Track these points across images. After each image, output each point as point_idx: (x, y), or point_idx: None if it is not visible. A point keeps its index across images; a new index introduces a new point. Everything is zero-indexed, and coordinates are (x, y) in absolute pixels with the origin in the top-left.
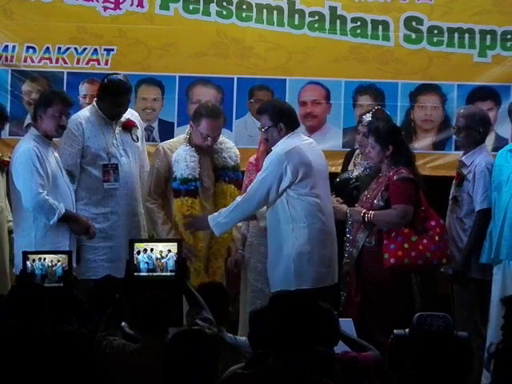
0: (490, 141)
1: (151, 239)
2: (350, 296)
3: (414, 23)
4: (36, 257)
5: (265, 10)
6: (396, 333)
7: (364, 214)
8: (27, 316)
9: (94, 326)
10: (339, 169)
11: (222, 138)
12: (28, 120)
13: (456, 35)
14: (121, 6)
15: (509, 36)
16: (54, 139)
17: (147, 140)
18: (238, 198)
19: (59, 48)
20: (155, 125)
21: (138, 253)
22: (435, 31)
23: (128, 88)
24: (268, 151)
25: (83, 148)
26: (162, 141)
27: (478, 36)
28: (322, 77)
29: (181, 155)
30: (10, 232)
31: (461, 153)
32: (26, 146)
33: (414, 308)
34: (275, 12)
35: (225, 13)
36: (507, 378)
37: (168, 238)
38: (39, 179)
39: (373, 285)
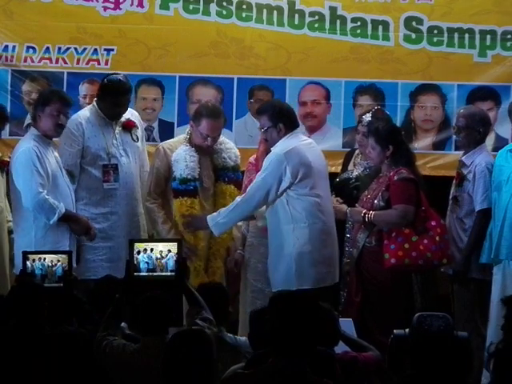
0: (490, 141)
1: (151, 239)
2: (350, 296)
3: (414, 23)
4: (36, 257)
5: (265, 10)
6: (396, 333)
7: (364, 214)
8: (27, 316)
9: (94, 326)
10: (339, 169)
11: (222, 139)
12: (28, 120)
13: (456, 35)
14: (121, 5)
15: (509, 36)
16: (54, 139)
17: (147, 140)
18: (238, 198)
19: (59, 48)
20: (155, 125)
21: (138, 253)
22: (435, 31)
23: (128, 88)
24: (268, 151)
25: (83, 148)
26: (162, 141)
27: (477, 36)
28: (322, 77)
29: (180, 155)
30: (10, 232)
31: (461, 153)
32: (26, 145)
33: (414, 308)
34: (275, 12)
35: (225, 13)
36: (507, 378)
37: (168, 237)
38: (39, 179)
39: (373, 285)
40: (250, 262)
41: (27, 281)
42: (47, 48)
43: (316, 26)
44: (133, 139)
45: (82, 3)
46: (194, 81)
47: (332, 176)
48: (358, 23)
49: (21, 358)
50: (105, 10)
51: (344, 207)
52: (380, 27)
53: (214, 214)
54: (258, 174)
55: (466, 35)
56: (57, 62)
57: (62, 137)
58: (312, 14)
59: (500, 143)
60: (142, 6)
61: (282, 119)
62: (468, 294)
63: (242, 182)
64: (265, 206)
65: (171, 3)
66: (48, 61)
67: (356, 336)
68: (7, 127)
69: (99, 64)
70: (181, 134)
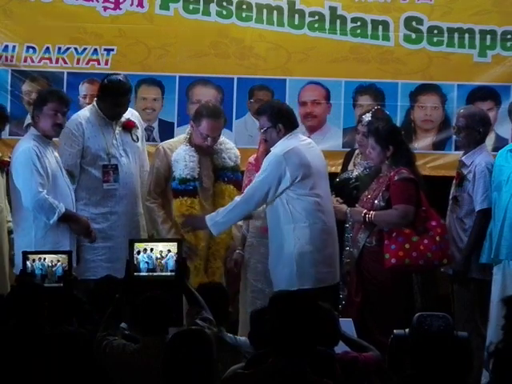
0: (490, 141)
1: (151, 239)
2: (350, 296)
3: (414, 23)
4: (36, 257)
5: (265, 10)
6: (396, 333)
7: (365, 214)
8: (27, 316)
9: (94, 326)
10: (339, 169)
11: (222, 139)
12: (28, 120)
13: (456, 35)
14: (121, 5)
15: (509, 36)
16: (54, 139)
17: (147, 140)
18: (237, 198)
19: (59, 48)
20: (155, 125)
21: (138, 253)
22: (435, 31)
23: (128, 88)
24: (267, 151)
25: (83, 148)
26: (162, 141)
27: (477, 36)
28: (322, 77)
29: (180, 155)
30: (10, 232)
31: (461, 153)
32: (26, 145)
33: (414, 308)
34: (275, 12)
35: (225, 13)
36: (507, 378)
37: (168, 237)
38: (39, 178)
39: (373, 285)
40: (249, 262)
41: (27, 281)
42: (47, 48)
43: (316, 26)
44: (133, 139)
45: (82, 3)
46: (194, 81)
47: (332, 176)
48: (358, 23)
49: (21, 358)
50: (105, 10)
51: (344, 207)
52: (380, 27)
53: (213, 213)
54: (258, 174)
55: (466, 35)
56: (57, 62)
57: (61, 137)
58: (312, 14)
59: (500, 143)
60: (142, 6)
61: (281, 120)
62: (468, 294)
63: (242, 182)
64: (263, 207)
65: (171, 3)
66: (48, 61)
67: (356, 336)
68: (7, 127)
69: (99, 64)
70: (181, 134)
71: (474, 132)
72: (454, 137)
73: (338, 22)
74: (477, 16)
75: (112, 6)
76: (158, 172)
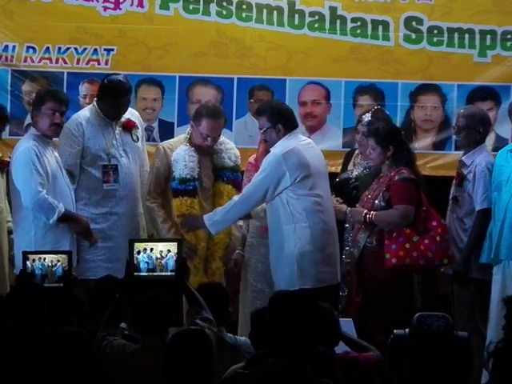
0: (490, 141)
1: (151, 239)
2: (351, 296)
3: (414, 23)
4: (36, 257)
5: (265, 10)
6: (396, 333)
7: (365, 214)
8: (27, 316)
9: (94, 326)
10: (339, 169)
11: (222, 139)
12: (28, 120)
13: (456, 35)
14: (121, 5)
15: (509, 36)
16: (54, 139)
17: (147, 140)
18: (235, 198)
19: (59, 48)
20: (155, 125)
21: (138, 253)
22: (435, 31)
23: (128, 88)
24: (267, 151)
25: (83, 148)
26: (162, 141)
27: (477, 36)
28: (322, 77)
29: (180, 155)
30: (10, 232)
31: (461, 153)
32: (26, 145)
33: (414, 308)
34: (275, 12)
35: (225, 13)
36: (506, 378)
37: (168, 236)
38: (39, 178)
39: (373, 285)
40: (249, 262)
41: (27, 281)
42: (47, 48)
43: (316, 25)
44: (133, 139)
45: (82, 3)
46: (194, 81)
47: (332, 176)
48: (358, 23)
49: (21, 358)
50: (105, 9)
51: (344, 207)
52: (380, 27)
53: (211, 213)
54: (257, 173)
55: (466, 35)
56: (57, 62)
57: (61, 137)
58: (312, 14)
59: (500, 143)
60: (142, 6)
61: (280, 120)
62: (468, 294)
63: (241, 182)
64: (262, 206)
65: (171, 3)
66: (48, 61)
67: (356, 336)
68: (7, 127)
69: (99, 64)
70: (181, 134)
71: (474, 132)
72: (454, 137)
73: (338, 22)
74: (477, 16)
75: (112, 6)
76: (157, 172)
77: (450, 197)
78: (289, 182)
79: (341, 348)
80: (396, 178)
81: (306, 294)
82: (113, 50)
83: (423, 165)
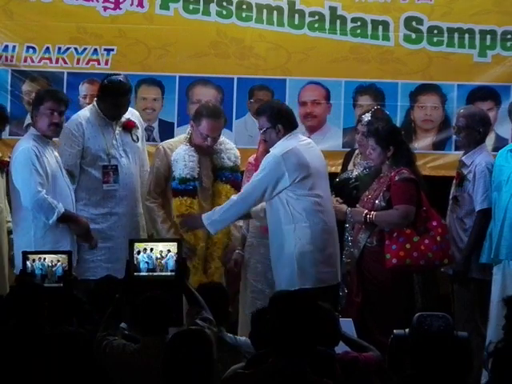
0: (490, 141)
1: (151, 239)
2: (351, 296)
3: (414, 23)
4: (36, 257)
5: (265, 10)
6: (396, 333)
7: (366, 214)
8: (27, 316)
9: (94, 326)
10: (339, 169)
11: (222, 139)
12: (28, 120)
13: (456, 35)
14: (121, 5)
15: (509, 36)
16: (54, 139)
17: (147, 140)
18: (234, 197)
19: (59, 48)
20: (155, 125)
21: (138, 253)
22: (435, 31)
23: (128, 89)
24: (267, 151)
25: (83, 149)
26: (162, 141)
27: (477, 36)
28: (322, 77)
29: (180, 155)
30: (9, 233)
31: (461, 153)
32: (25, 145)
33: (414, 308)
34: (275, 12)
35: (225, 13)
36: (506, 377)
37: (167, 236)
38: (38, 178)
39: (374, 285)
40: (249, 263)
41: (27, 281)
42: (47, 48)
43: (316, 26)
44: (133, 139)
45: (82, 3)
46: (194, 81)
47: (332, 176)
48: (358, 23)
49: (21, 358)
50: (105, 10)
51: (344, 207)
52: (380, 27)
53: (209, 212)
54: (256, 173)
55: (466, 35)
56: (57, 62)
57: (62, 137)
58: (312, 14)
59: (500, 143)
60: (142, 6)
61: (280, 120)
62: (468, 294)
63: (240, 183)
64: (262, 206)
65: (171, 3)
66: (48, 61)
67: (356, 336)
68: (7, 127)
69: (99, 64)
70: (181, 134)
71: (474, 132)
72: (454, 137)
73: (338, 22)
74: (477, 16)
75: (112, 6)
76: (157, 172)
77: (450, 197)
78: (288, 182)
79: (341, 348)
80: (396, 178)
81: (306, 293)
82: (113, 49)
83: (423, 165)
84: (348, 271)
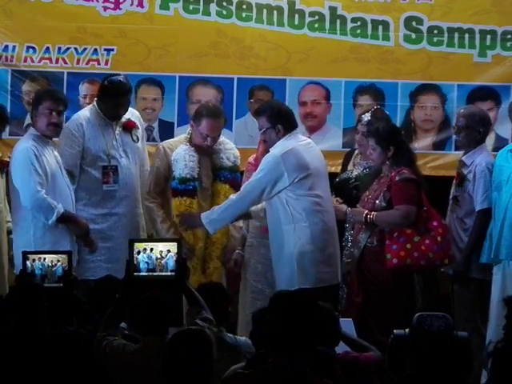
0: (490, 141)
1: (151, 239)
2: (351, 296)
3: (414, 23)
4: (36, 257)
5: (265, 10)
6: (396, 333)
7: (366, 214)
8: (27, 316)
9: (94, 326)
10: (339, 169)
11: (222, 139)
12: (28, 120)
13: (456, 35)
14: (121, 5)
15: (509, 36)
16: (54, 139)
17: (147, 140)
18: (232, 196)
19: (59, 48)
20: (155, 125)
21: (138, 253)
22: (435, 31)
23: (128, 89)
24: (267, 152)
25: (83, 149)
26: (162, 141)
27: (477, 36)
28: (322, 77)
29: (180, 154)
30: (9, 233)
31: (461, 153)
32: (24, 145)
33: (415, 308)
34: (275, 12)
35: (225, 13)
36: (505, 377)
37: (167, 236)
38: (37, 178)
39: (374, 285)
40: (249, 263)
41: (27, 281)
42: (47, 48)
43: (316, 26)
44: (133, 139)
45: (82, 3)
46: (194, 81)
47: (332, 176)
48: (358, 23)
49: (21, 358)
50: (105, 9)
51: (344, 207)
52: (380, 27)
53: (208, 211)
54: (255, 173)
55: (466, 35)
56: (57, 62)
57: (62, 137)
58: (312, 14)
59: (500, 143)
60: (142, 6)
61: (280, 120)
62: (468, 294)
63: (240, 183)
64: (262, 206)
65: (171, 3)
66: (48, 61)
67: (356, 336)
68: (7, 128)
69: (99, 64)
70: (181, 134)
71: (474, 132)
72: (454, 137)
73: (338, 22)
74: (477, 16)
75: (112, 6)
76: (157, 171)
77: (450, 197)
78: (287, 182)
79: (341, 348)
80: (397, 178)
81: (306, 293)
82: (113, 49)
83: (423, 165)
84: (348, 271)
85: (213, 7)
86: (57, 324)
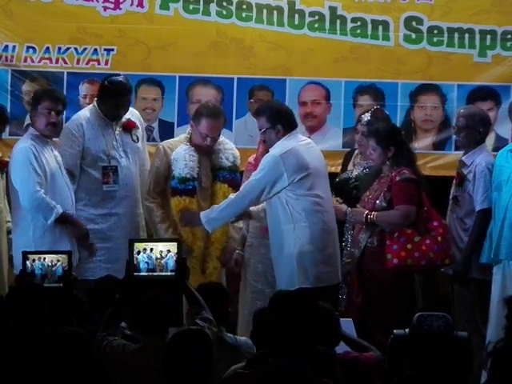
0: (490, 141)
1: (151, 239)
2: (351, 296)
3: (414, 23)
4: (36, 256)
5: (265, 10)
6: (396, 333)
7: (367, 214)
8: (27, 316)
9: (94, 326)
10: (339, 169)
11: (222, 139)
12: (28, 120)
13: (456, 35)
14: (121, 5)
15: (509, 36)
16: (54, 139)
17: (147, 140)
18: (232, 196)
19: (59, 48)
20: (155, 125)
21: (138, 253)
22: (435, 31)
23: (128, 89)
24: (267, 152)
25: (83, 149)
26: (162, 141)
27: (477, 36)
28: (322, 77)
29: (180, 154)
30: (9, 233)
31: (461, 153)
32: (23, 145)
33: (415, 308)
34: (275, 12)
35: (225, 13)
36: (505, 377)
37: (165, 236)
38: (36, 177)
39: (374, 285)
40: (249, 263)
41: (27, 281)
42: (47, 48)
43: (316, 26)
44: (133, 140)
45: (82, 3)
46: (194, 81)
47: (332, 176)
48: (358, 23)
49: (21, 358)
50: (105, 9)
51: (344, 207)
52: (380, 27)
53: (208, 210)
54: (254, 173)
55: (466, 35)
56: (57, 62)
57: (62, 137)
58: (312, 14)
59: (500, 143)
60: (142, 6)
61: (280, 120)
62: (468, 294)
63: (239, 183)
64: (262, 206)
65: (171, 3)
66: (48, 61)
67: (356, 336)
68: (7, 128)
69: (99, 64)
70: (181, 134)
71: (474, 132)
72: (454, 137)
73: (338, 22)
74: (477, 16)
75: (112, 6)
76: (157, 171)
77: (450, 197)
78: (287, 182)
79: (341, 348)
80: (397, 178)
81: (306, 293)
82: (113, 49)
83: (423, 165)
84: (348, 271)
85: (213, 7)
86: (57, 324)
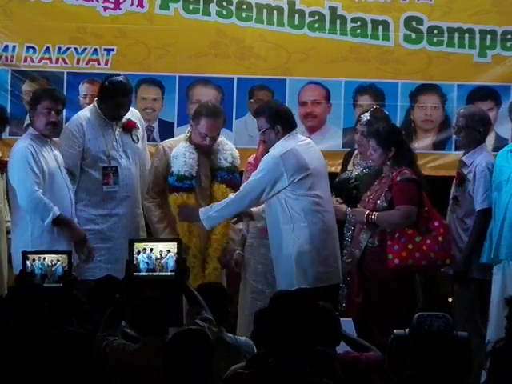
0: (490, 141)
1: (151, 239)
2: (351, 296)
3: (414, 23)
4: (36, 256)
5: (265, 10)
6: (396, 333)
7: (367, 214)
8: (27, 316)
9: (94, 326)
10: (339, 169)
11: (221, 139)
12: (28, 120)
13: (456, 35)
14: (121, 5)
15: (509, 36)
16: (55, 138)
17: (147, 140)
18: (231, 195)
19: (59, 48)
20: (155, 125)
21: (138, 253)
22: (435, 31)
23: (128, 89)
24: (267, 152)
25: (83, 150)
26: (161, 141)
27: (477, 36)
28: (322, 77)
29: (180, 151)
30: (9, 232)
31: (461, 153)
32: (22, 144)
33: (416, 308)
34: (275, 12)
35: (225, 13)
36: (504, 377)
37: (163, 236)
38: (34, 177)
39: (375, 285)
40: (249, 263)
41: (27, 281)
42: (47, 48)
43: (316, 26)
44: (133, 140)
45: (82, 3)
46: (194, 81)
47: (332, 176)
48: (358, 23)
49: (21, 358)
50: (105, 9)
51: (344, 207)
52: (380, 27)
53: (207, 207)
54: (254, 173)
55: (466, 35)
56: (57, 62)
57: (62, 138)
58: (312, 14)
59: (500, 143)
60: (142, 6)
61: (279, 121)
62: (468, 294)
63: (238, 183)
64: (263, 207)
65: (171, 3)
66: (48, 61)
67: (356, 336)
68: (7, 128)
69: (99, 64)
70: (181, 134)
71: (474, 132)
72: (454, 137)
73: (338, 22)
74: (477, 16)
75: (112, 6)
76: (156, 171)
77: (451, 197)
78: (286, 182)
79: (342, 348)
80: (398, 178)
81: (306, 293)
82: (113, 49)
83: (423, 165)
84: (348, 271)
85: (213, 7)
86: (57, 324)
